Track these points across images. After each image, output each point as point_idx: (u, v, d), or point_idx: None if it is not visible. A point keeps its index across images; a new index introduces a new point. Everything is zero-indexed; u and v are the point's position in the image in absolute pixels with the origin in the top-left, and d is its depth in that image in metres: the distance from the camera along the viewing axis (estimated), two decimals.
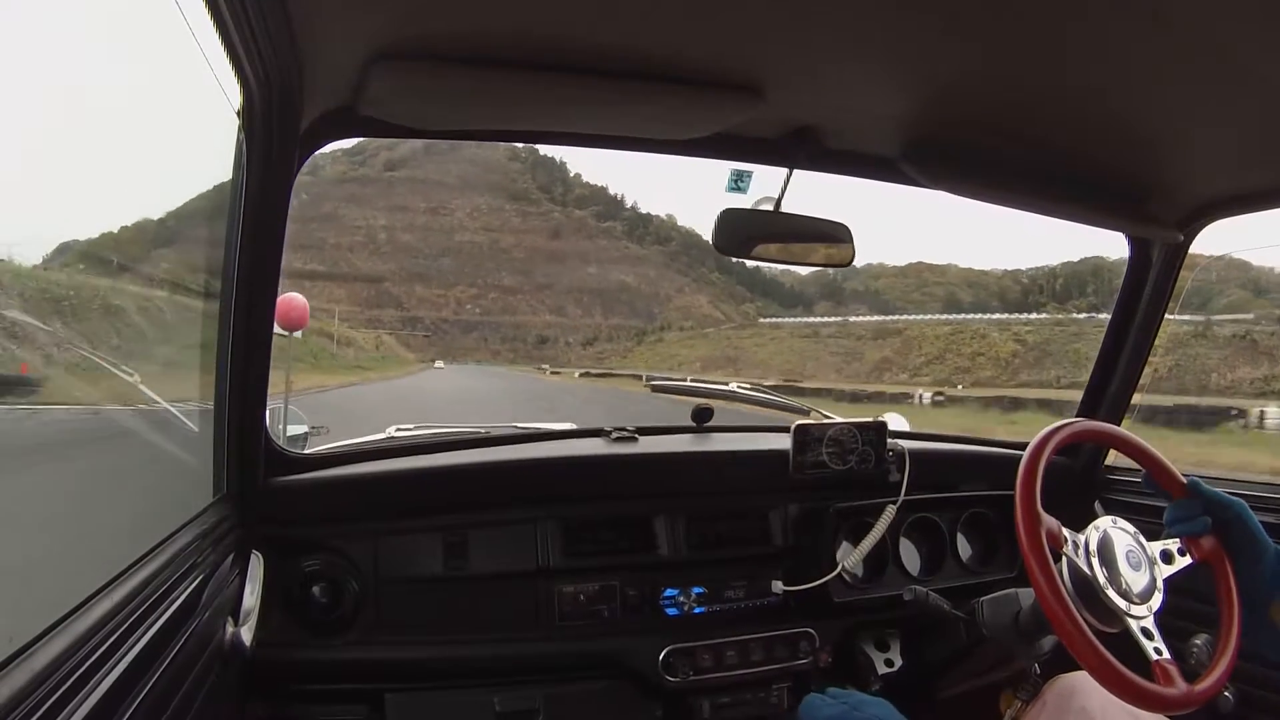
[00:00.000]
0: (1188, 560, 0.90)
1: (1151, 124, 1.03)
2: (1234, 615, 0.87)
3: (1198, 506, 0.92)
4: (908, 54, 0.89)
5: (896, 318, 71.90)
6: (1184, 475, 0.94)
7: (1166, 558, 0.90)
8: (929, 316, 69.34)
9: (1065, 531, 0.87)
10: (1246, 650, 0.87)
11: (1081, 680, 0.97)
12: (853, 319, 75.40)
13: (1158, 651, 0.83)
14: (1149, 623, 0.85)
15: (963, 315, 66.72)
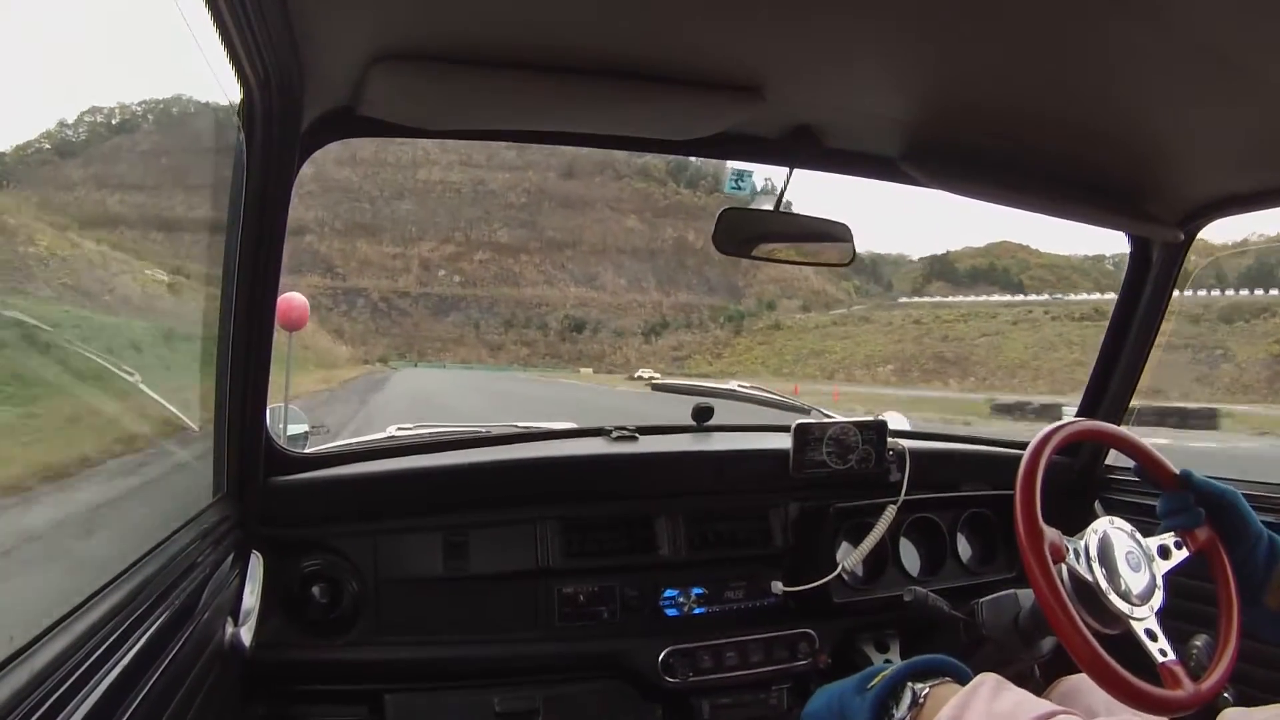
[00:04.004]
0: (1185, 553, 0.90)
1: (1151, 124, 1.03)
2: (1233, 608, 0.87)
3: (1191, 498, 0.91)
4: (908, 54, 0.89)
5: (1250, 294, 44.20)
6: (1177, 467, 0.94)
7: (1164, 553, 0.90)
8: None
9: (1066, 543, 0.86)
10: (1243, 631, 0.86)
11: (1086, 681, 0.97)
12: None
13: (1163, 653, 0.82)
14: (1152, 623, 0.84)
15: None
